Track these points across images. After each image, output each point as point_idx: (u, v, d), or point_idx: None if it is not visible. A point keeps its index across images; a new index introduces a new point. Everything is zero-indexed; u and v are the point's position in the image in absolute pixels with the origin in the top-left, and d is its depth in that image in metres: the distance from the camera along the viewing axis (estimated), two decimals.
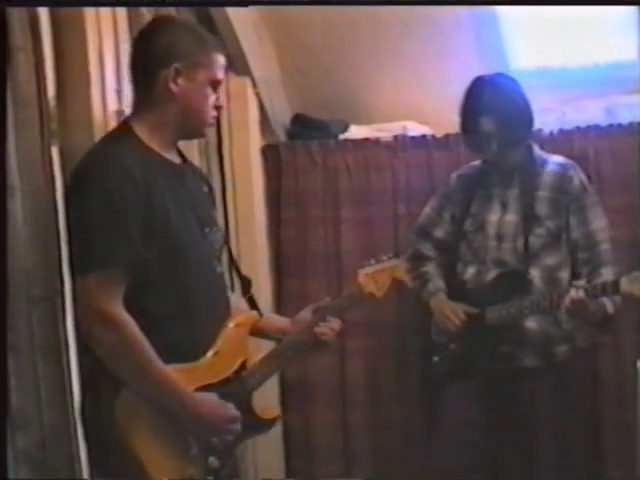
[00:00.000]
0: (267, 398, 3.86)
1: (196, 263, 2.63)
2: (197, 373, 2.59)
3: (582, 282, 3.66)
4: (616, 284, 3.54)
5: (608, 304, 3.65)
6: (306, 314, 2.88)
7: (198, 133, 2.80)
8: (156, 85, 2.63)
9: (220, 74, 2.69)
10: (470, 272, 3.90)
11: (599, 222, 3.86)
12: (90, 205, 2.49)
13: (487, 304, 3.78)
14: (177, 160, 2.74)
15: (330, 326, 2.81)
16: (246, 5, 3.91)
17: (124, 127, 2.69)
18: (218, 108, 2.73)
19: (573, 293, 3.56)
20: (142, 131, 2.64)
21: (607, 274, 3.73)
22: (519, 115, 3.84)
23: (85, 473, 2.68)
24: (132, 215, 2.49)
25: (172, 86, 2.62)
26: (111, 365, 2.49)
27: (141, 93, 2.69)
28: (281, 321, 2.97)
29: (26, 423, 2.48)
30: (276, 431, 4.32)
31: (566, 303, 3.57)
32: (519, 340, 3.78)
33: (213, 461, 2.60)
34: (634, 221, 4.24)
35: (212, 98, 2.68)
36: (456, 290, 3.93)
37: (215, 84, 2.68)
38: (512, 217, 3.88)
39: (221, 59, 2.70)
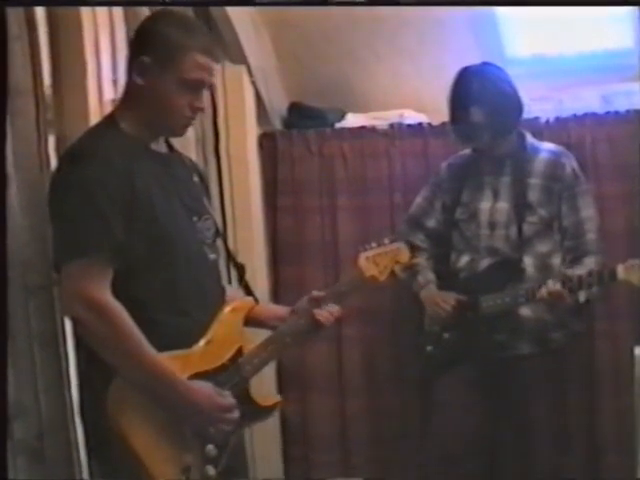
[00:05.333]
0: (264, 386, 3.86)
1: (184, 251, 2.62)
2: (191, 360, 2.57)
3: (569, 271, 3.70)
4: (613, 272, 3.56)
5: (581, 294, 3.68)
6: (303, 304, 2.84)
7: (171, 132, 2.71)
8: (130, 76, 2.61)
9: (194, 75, 2.58)
10: (464, 261, 3.92)
11: (588, 211, 3.88)
12: (69, 196, 2.49)
13: (481, 293, 3.80)
14: (163, 149, 2.72)
15: (329, 310, 2.79)
16: (246, 5, 3.90)
17: (109, 116, 2.68)
18: (195, 109, 2.64)
19: (550, 284, 3.59)
20: (126, 121, 2.62)
21: (590, 263, 3.76)
22: (508, 104, 3.86)
23: (83, 462, 2.69)
24: (112, 204, 2.48)
25: (138, 79, 2.58)
26: (101, 352, 2.47)
27: (127, 77, 2.67)
28: (279, 309, 2.93)
29: (24, 413, 2.48)
30: (273, 419, 4.32)
31: (542, 294, 3.60)
32: (514, 328, 3.79)
33: (211, 449, 2.57)
34: (630, 209, 4.25)
35: (186, 98, 2.59)
36: (450, 279, 3.94)
37: (189, 85, 2.58)
38: (504, 205, 3.89)
39: (202, 60, 2.58)
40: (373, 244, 2.89)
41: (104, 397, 2.46)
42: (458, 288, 3.88)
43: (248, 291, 2.92)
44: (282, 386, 4.52)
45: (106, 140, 2.56)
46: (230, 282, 3.17)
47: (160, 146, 2.71)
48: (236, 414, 2.59)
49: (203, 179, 2.93)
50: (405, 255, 2.94)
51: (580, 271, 3.68)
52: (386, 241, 2.91)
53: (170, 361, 2.51)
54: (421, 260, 4.04)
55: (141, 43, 2.61)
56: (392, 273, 2.93)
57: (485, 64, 3.92)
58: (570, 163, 3.90)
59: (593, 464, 4.33)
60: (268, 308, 2.92)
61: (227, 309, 2.72)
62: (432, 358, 3.94)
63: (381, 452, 4.56)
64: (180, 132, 2.73)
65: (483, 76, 3.86)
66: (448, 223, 4.01)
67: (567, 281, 3.62)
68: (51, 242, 2.58)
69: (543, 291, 3.62)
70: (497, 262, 3.84)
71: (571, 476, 4.21)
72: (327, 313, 2.79)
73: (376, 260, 2.86)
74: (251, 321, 2.80)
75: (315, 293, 2.84)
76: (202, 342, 2.61)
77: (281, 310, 2.91)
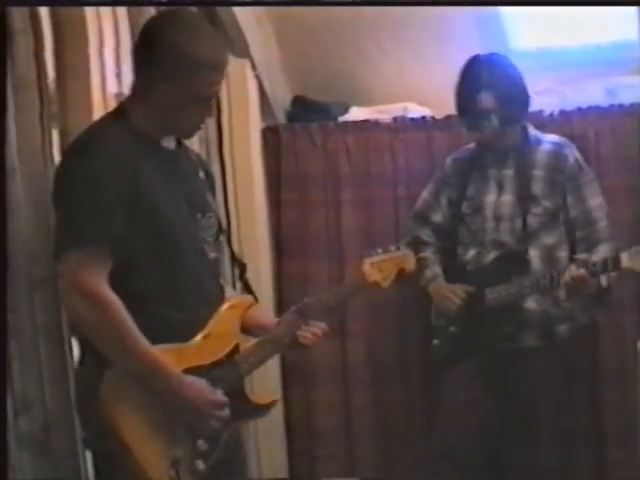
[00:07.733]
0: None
1: (184, 247, 2.63)
2: (186, 354, 2.58)
3: (584, 256, 3.69)
4: (617, 260, 3.55)
5: (602, 278, 3.67)
6: (289, 315, 2.82)
7: (180, 135, 2.75)
8: (142, 79, 2.61)
9: (206, 92, 2.61)
10: (470, 255, 3.92)
11: (595, 200, 3.88)
12: (73, 185, 2.49)
13: (487, 286, 3.79)
14: (172, 145, 2.73)
15: (312, 330, 2.79)
16: (247, 5, 3.90)
17: (119, 110, 2.68)
18: (204, 116, 2.70)
19: (573, 269, 3.59)
20: (136, 115, 2.62)
21: (604, 251, 3.75)
22: (517, 91, 3.85)
23: (88, 455, 2.70)
24: (116, 196, 2.48)
25: (146, 90, 2.59)
26: (95, 342, 2.48)
27: (135, 80, 2.67)
28: (266, 319, 2.90)
29: (29, 406, 2.50)
30: (278, 412, 4.33)
31: (566, 279, 3.60)
32: (519, 321, 3.79)
33: (201, 444, 2.58)
34: (634, 201, 4.25)
35: (196, 109, 2.63)
36: (456, 273, 3.94)
37: (200, 99, 2.61)
38: (509, 198, 3.89)
39: (213, 77, 2.61)
40: (379, 250, 2.89)
41: (95, 390, 2.46)
42: (465, 281, 3.88)
43: (248, 289, 2.92)
44: (286, 379, 4.52)
45: (115, 133, 2.56)
46: (234, 280, 3.17)
47: (169, 141, 2.71)
48: (226, 412, 2.60)
49: (209, 175, 2.94)
50: (411, 262, 2.95)
51: (596, 259, 3.67)
52: (392, 248, 2.93)
53: (165, 354, 2.52)
54: (428, 254, 4.04)
55: (149, 54, 2.59)
56: (397, 279, 2.91)
57: (493, 54, 3.92)
58: (573, 153, 3.90)
59: (598, 458, 4.32)
60: (255, 316, 2.86)
61: (225, 306, 2.73)
62: (439, 352, 3.95)
63: (386, 446, 4.55)
64: (189, 136, 2.78)
65: (492, 63, 3.86)
66: (454, 217, 4.00)
67: (590, 265, 3.60)
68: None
69: (566, 276, 3.61)
70: (502, 255, 3.84)
71: (575, 470, 4.21)
72: (310, 334, 2.78)
73: (381, 266, 2.87)
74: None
75: (302, 304, 2.82)
76: (199, 337, 2.62)
77: (267, 320, 2.89)
